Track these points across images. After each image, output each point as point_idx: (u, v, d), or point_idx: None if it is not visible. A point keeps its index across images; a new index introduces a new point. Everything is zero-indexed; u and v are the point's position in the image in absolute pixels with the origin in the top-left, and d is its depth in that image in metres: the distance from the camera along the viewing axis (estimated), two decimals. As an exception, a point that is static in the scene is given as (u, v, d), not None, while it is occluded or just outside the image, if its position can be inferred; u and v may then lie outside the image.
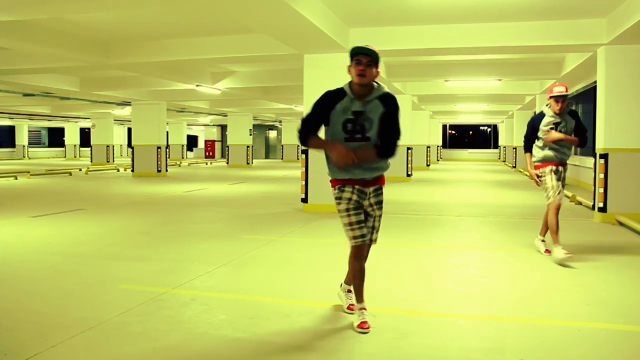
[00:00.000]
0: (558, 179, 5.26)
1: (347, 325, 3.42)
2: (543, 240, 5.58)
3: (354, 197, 3.32)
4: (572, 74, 11.46)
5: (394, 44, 8.61)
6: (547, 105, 5.29)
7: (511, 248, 6.03)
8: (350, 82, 3.30)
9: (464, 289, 4.27)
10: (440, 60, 11.86)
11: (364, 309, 3.36)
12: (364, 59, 3.18)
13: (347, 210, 3.32)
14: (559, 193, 5.24)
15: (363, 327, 3.26)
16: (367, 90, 3.25)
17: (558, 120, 5.20)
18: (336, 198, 3.36)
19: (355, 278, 3.42)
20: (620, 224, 7.60)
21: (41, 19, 8.34)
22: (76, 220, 7.82)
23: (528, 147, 5.46)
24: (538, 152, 5.33)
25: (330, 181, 3.43)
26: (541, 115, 5.30)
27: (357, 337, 3.22)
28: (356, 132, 3.25)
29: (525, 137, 5.47)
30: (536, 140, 5.35)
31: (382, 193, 3.43)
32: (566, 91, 5.10)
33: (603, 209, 8.02)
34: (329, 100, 3.28)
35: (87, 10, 7.25)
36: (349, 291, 3.68)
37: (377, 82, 3.32)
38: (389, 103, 3.29)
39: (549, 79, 12.91)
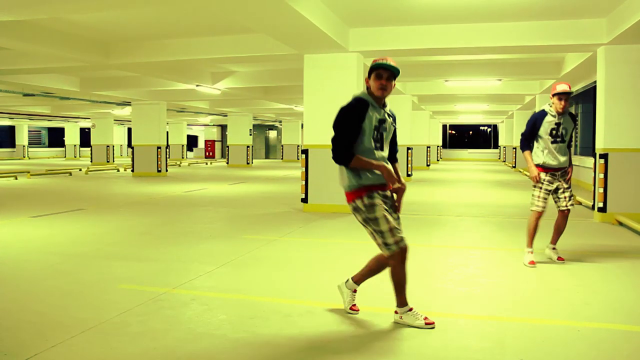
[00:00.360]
0: (547, 191, 5.10)
1: (347, 325, 3.42)
2: (554, 248, 5.36)
3: (384, 196, 3.37)
4: (572, 74, 11.46)
5: (394, 44, 8.60)
6: (549, 104, 5.13)
7: (511, 248, 6.03)
8: (367, 92, 3.40)
9: (464, 289, 4.27)
10: (440, 60, 11.86)
11: (412, 308, 3.43)
12: (385, 73, 3.31)
13: (385, 216, 3.27)
14: (541, 202, 5.08)
15: (428, 322, 3.35)
16: (383, 103, 3.43)
17: (560, 120, 5.05)
18: (369, 206, 3.29)
19: (403, 281, 3.42)
20: (620, 224, 7.60)
21: (41, 19, 8.34)
22: (76, 220, 7.82)
23: (526, 146, 5.20)
24: (538, 157, 5.12)
25: (353, 192, 3.33)
26: (543, 113, 5.11)
27: (358, 337, 3.22)
28: (379, 141, 3.36)
29: (523, 135, 5.23)
30: (536, 142, 5.15)
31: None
32: (569, 89, 4.94)
33: (603, 209, 8.02)
34: (363, 109, 3.30)
35: (87, 10, 7.25)
36: (355, 291, 3.68)
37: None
38: (395, 119, 3.54)
39: (549, 79, 12.91)
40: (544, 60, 11.85)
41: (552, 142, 5.05)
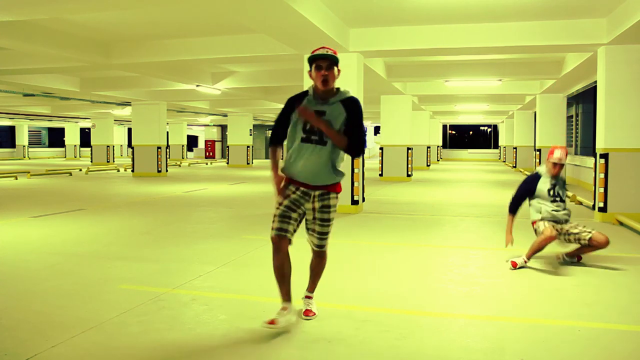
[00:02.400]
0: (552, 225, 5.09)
1: (347, 325, 3.42)
2: (568, 260, 5.29)
3: (295, 196, 3.32)
4: (572, 74, 11.46)
5: (394, 44, 8.60)
6: (544, 166, 5.22)
7: (511, 248, 6.02)
8: (313, 86, 3.33)
9: (464, 289, 4.27)
10: (440, 61, 11.86)
11: (285, 308, 3.32)
12: (324, 63, 3.21)
13: (280, 204, 3.34)
14: (553, 227, 5.04)
15: (272, 323, 3.22)
16: (330, 93, 3.29)
17: (554, 182, 5.17)
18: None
19: (275, 274, 3.37)
20: (621, 223, 7.59)
21: (41, 19, 8.34)
22: (76, 221, 7.81)
23: (514, 209, 5.24)
24: (536, 215, 5.18)
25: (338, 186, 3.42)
26: (537, 176, 5.21)
27: (359, 337, 3.22)
28: (313, 133, 3.23)
29: (514, 197, 5.24)
30: (532, 202, 5.21)
31: (329, 198, 3.33)
32: (564, 160, 5.09)
33: (603, 209, 8.02)
34: (292, 102, 3.32)
35: (87, 10, 7.24)
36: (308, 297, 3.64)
37: (339, 87, 3.37)
38: (353, 108, 3.27)
39: (549, 79, 12.91)
40: (544, 60, 11.84)
41: (552, 202, 5.13)
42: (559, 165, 5.12)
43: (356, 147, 3.25)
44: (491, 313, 3.71)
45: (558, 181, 5.23)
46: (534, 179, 5.23)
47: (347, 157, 3.37)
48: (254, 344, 3.13)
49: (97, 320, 3.45)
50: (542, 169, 5.26)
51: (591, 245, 5.06)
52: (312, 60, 3.23)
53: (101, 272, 4.79)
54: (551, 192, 5.15)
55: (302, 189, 3.31)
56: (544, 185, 5.16)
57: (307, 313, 3.51)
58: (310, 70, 3.26)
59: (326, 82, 3.21)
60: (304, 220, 3.45)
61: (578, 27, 7.95)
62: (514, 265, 5.01)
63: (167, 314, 3.61)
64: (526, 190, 5.24)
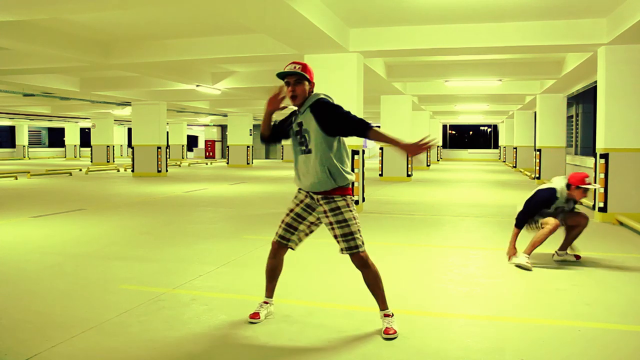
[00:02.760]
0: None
1: (347, 325, 3.42)
2: (563, 253, 5.26)
3: (307, 200, 3.40)
4: (572, 74, 11.46)
5: (394, 44, 8.60)
6: (566, 186, 5.01)
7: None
8: None
9: (464, 289, 4.27)
10: (440, 61, 11.86)
11: (267, 302, 3.54)
12: (291, 79, 3.28)
13: (290, 210, 3.46)
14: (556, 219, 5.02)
15: (255, 317, 3.44)
16: (303, 103, 3.35)
17: (572, 205, 5.13)
18: (350, 204, 3.34)
19: (266, 272, 3.56)
20: (621, 224, 7.59)
21: (41, 19, 8.34)
22: (76, 221, 7.81)
23: (522, 224, 5.14)
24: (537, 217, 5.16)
25: (347, 189, 3.39)
26: (553, 198, 5.00)
27: (357, 337, 3.22)
28: (302, 144, 3.33)
29: (524, 213, 5.11)
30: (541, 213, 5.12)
31: (335, 201, 3.27)
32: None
33: (603, 209, 8.02)
34: (290, 115, 3.48)
35: (87, 10, 7.24)
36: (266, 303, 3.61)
37: (312, 94, 3.37)
38: (319, 110, 3.24)
39: (550, 79, 12.91)
40: (544, 60, 11.84)
41: (560, 213, 5.13)
42: (586, 193, 5.02)
43: (355, 130, 3.16)
44: (491, 313, 3.71)
45: (574, 204, 5.15)
46: (550, 199, 5.01)
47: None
48: (254, 344, 3.13)
49: (97, 320, 3.45)
50: (560, 189, 5.01)
51: (571, 226, 5.09)
52: (282, 77, 3.31)
53: (101, 272, 4.79)
54: (559, 209, 5.09)
55: (310, 193, 3.36)
56: (559, 205, 5.05)
57: (387, 331, 3.23)
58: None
59: (294, 97, 3.30)
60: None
61: (578, 27, 7.95)
62: (578, 257, 5.10)
63: (167, 314, 3.61)
64: (541, 209, 5.07)
